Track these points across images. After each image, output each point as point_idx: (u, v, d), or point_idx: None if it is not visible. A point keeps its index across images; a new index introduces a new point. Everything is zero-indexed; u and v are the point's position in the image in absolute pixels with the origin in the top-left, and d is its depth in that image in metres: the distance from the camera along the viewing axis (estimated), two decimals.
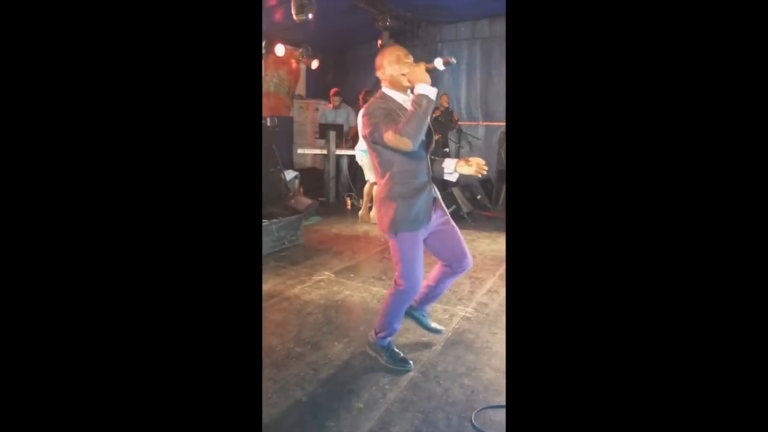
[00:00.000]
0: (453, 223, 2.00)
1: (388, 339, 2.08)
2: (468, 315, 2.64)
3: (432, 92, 1.64)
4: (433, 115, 6.10)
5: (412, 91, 1.72)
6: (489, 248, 4.03)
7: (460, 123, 6.51)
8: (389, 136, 1.66)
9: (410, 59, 1.80)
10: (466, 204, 5.21)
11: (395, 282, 1.93)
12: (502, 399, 1.82)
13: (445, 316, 2.60)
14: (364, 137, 1.81)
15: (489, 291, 3.03)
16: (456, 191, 5.21)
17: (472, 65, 6.83)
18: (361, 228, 4.70)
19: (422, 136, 1.68)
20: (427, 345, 2.27)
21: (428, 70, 1.68)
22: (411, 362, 2.03)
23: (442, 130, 6.16)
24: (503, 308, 2.73)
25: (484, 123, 6.86)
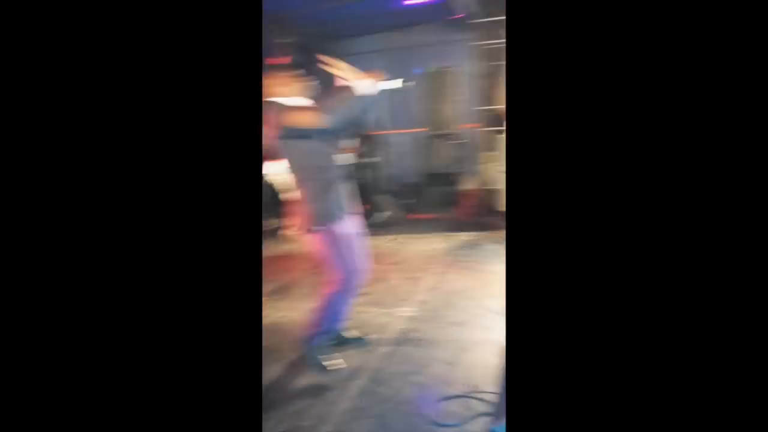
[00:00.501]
0: (360, 237, 2.01)
1: (322, 338, 1.99)
2: (411, 314, 2.60)
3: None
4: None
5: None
6: (421, 249, 4.05)
7: (383, 132, 6.57)
8: (305, 116, 1.69)
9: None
10: (396, 209, 5.24)
11: (332, 280, 1.89)
12: (454, 390, 1.79)
13: (389, 319, 2.54)
14: (276, 139, 1.78)
15: (429, 289, 3.02)
16: (385, 197, 5.23)
17: (388, 76, 6.95)
18: (285, 247, 4.53)
19: (339, 126, 1.72)
20: (373, 350, 2.19)
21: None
22: (339, 366, 1.94)
23: (368, 140, 6.18)
24: (446, 302, 2.73)
25: (408, 130, 7.00)
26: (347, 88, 1.66)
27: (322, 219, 1.82)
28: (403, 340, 2.28)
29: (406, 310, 2.66)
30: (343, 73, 1.70)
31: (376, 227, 4.95)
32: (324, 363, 1.98)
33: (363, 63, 6.67)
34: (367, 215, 5.19)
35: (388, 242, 4.37)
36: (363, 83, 1.67)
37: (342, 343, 2.20)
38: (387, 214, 5.04)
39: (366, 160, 6.03)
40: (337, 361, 2.01)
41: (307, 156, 1.80)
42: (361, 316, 2.58)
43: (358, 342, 2.26)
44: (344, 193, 1.91)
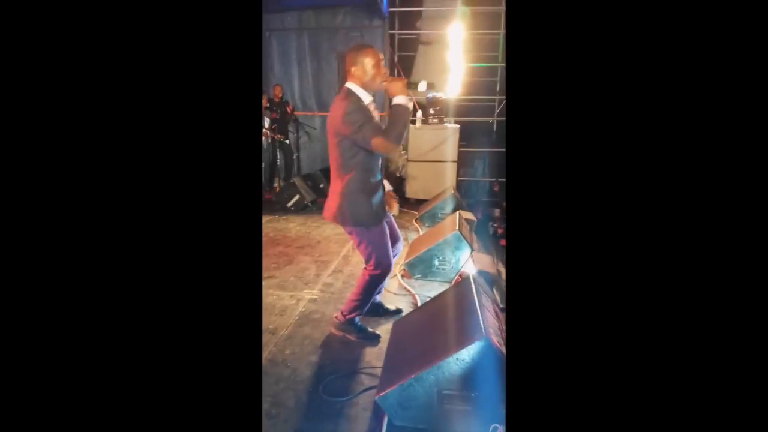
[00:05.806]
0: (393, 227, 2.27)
1: (358, 318, 2.23)
2: (314, 296, 2.71)
3: (410, 103, 1.90)
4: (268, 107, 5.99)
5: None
6: (333, 232, 4.16)
7: (296, 113, 6.50)
8: (378, 142, 1.85)
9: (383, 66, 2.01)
10: (309, 193, 5.27)
11: (367, 268, 2.12)
12: (348, 368, 1.94)
13: (291, 302, 2.63)
14: (343, 135, 1.91)
15: (333, 272, 3.15)
16: (298, 181, 5.23)
17: (302, 56, 6.85)
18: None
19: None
20: (274, 331, 2.27)
21: (410, 86, 1.91)
22: (380, 334, 2.22)
23: (279, 121, 6.09)
24: (348, 285, 2.87)
25: (320, 113, 6.98)
26: (404, 107, 1.85)
27: (371, 218, 2.02)
28: (304, 322, 2.39)
29: (310, 293, 2.77)
30: (402, 90, 1.85)
31: (285, 211, 4.96)
32: (373, 332, 2.24)
33: (280, 41, 6.43)
34: (279, 198, 5.18)
35: (298, 226, 4.42)
36: (405, 98, 1.86)
37: (382, 312, 2.47)
38: (297, 197, 5.06)
39: (278, 141, 5.97)
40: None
41: (360, 162, 1.96)
42: (266, 299, 2.64)
43: (395, 313, 2.49)
44: (383, 193, 2.13)
